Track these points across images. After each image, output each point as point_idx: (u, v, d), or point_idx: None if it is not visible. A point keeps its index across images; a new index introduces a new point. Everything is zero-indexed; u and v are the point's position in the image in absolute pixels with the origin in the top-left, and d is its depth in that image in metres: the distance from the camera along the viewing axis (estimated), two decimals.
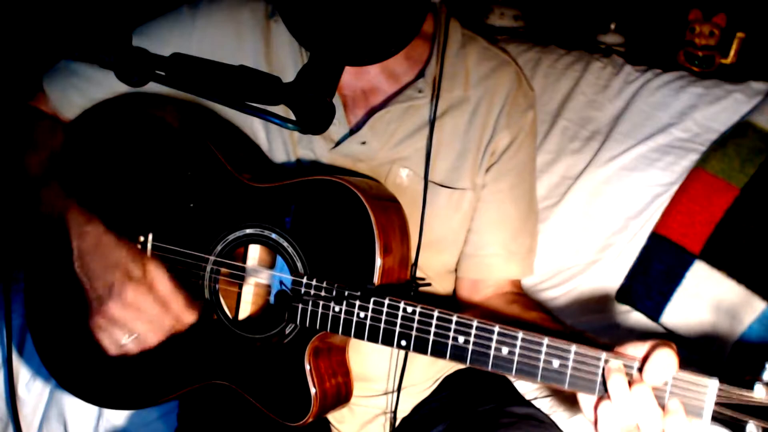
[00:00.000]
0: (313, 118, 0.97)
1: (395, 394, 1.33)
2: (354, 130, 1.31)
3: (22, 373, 1.69)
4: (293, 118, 0.98)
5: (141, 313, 1.17)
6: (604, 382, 1.00)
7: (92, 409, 1.63)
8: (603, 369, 1.00)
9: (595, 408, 1.02)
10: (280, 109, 1.01)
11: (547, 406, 1.54)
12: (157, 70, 0.97)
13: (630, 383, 0.98)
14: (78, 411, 1.64)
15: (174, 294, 1.20)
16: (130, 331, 1.18)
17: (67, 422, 1.65)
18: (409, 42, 1.07)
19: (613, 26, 2.38)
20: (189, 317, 1.22)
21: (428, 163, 1.30)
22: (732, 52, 2.23)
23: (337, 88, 1.02)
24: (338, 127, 1.30)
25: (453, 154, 1.33)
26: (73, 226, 1.24)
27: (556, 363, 1.03)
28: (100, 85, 1.36)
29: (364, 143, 1.30)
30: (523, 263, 1.41)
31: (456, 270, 1.42)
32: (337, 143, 1.31)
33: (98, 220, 1.24)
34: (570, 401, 1.41)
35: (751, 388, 0.95)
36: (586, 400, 1.04)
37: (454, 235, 1.36)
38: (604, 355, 1.01)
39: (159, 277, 1.19)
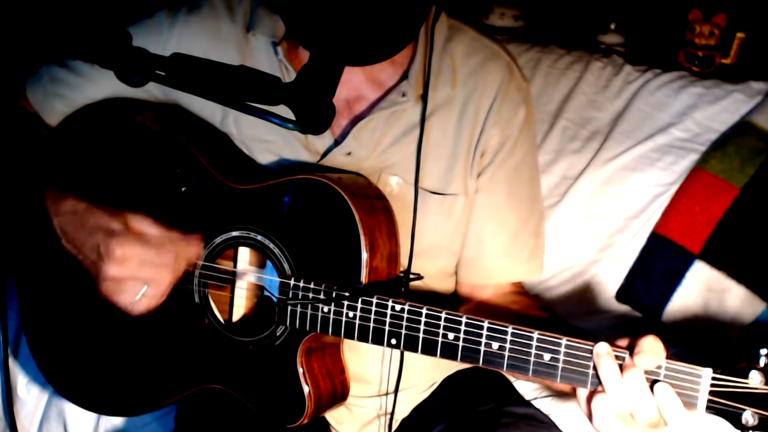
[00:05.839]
0: (313, 118, 0.97)
1: (393, 395, 1.33)
2: (339, 141, 1.29)
3: (22, 373, 1.69)
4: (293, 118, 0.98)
5: (138, 263, 1.14)
6: (596, 375, 1.00)
7: None
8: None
9: (588, 402, 1.02)
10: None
11: (547, 406, 1.54)
12: (157, 70, 0.97)
13: (621, 368, 0.98)
14: (78, 411, 1.63)
15: (164, 233, 1.17)
16: (136, 284, 1.16)
17: (67, 422, 1.65)
18: (409, 42, 1.07)
19: (613, 26, 2.37)
20: (190, 249, 1.20)
21: (418, 169, 1.26)
22: (732, 52, 2.22)
23: (336, 88, 1.02)
24: (322, 139, 1.28)
25: (443, 158, 1.30)
26: (50, 206, 1.23)
27: (547, 356, 1.03)
28: (80, 92, 1.36)
29: (349, 154, 1.28)
30: (527, 265, 1.38)
31: (456, 274, 1.41)
32: (323, 155, 1.29)
33: (71, 195, 1.22)
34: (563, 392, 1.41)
35: (746, 376, 0.95)
36: (581, 394, 1.04)
37: (448, 241, 1.34)
38: (594, 347, 1.01)
39: (143, 224, 1.17)
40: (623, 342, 1.02)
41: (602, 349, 1.00)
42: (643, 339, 0.99)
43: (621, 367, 0.99)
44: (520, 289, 1.42)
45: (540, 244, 1.40)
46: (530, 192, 1.38)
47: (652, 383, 0.98)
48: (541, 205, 1.41)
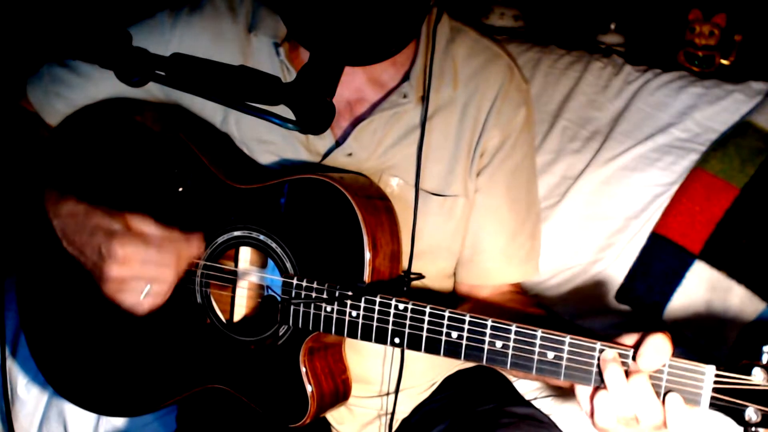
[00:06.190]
0: (313, 118, 0.97)
1: (394, 395, 1.33)
2: (340, 142, 1.29)
3: (21, 374, 1.69)
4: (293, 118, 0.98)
5: (140, 262, 1.15)
6: (600, 373, 1.00)
7: None
8: (598, 359, 1.01)
9: (591, 398, 1.02)
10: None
11: (547, 406, 1.54)
12: (157, 70, 0.97)
13: (627, 373, 0.98)
14: (78, 411, 1.63)
15: (164, 232, 1.18)
16: (140, 283, 1.16)
17: (67, 423, 1.65)
18: (409, 42, 1.07)
19: (613, 26, 2.37)
20: (191, 247, 1.21)
21: (419, 171, 1.26)
22: (732, 53, 2.23)
23: (337, 88, 1.01)
24: (324, 140, 1.28)
25: (444, 159, 1.30)
26: (50, 208, 1.23)
27: (550, 355, 1.03)
28: (81, 92, 1.36)
29: (350, 155, 1.28)
30: (524, 267, 1.38)
31: (455, 274, 1.41)
32: (324, 156, 1.29)
33: (71, 197, 1.22)
34: (562, 390, 1.41)
35: (749, 372, 0.95)
36: (581, 391, 1.04)
37: (448, 242, 1.34)
38: (598, 344, 1.01)
39: (144, 223, 1.17)
40: (630, 339, 1.01)
41: (610, 355, 1.00)
42: (647, 340, 0.98)
43: (626, 372, 0.99)
44: (519, 290, 1.42)
45: (536, 247, 1.41)
46: (527, 195, 1.38)
47: (657, 384, 0.98)
48: (537, 209, 1.41)
